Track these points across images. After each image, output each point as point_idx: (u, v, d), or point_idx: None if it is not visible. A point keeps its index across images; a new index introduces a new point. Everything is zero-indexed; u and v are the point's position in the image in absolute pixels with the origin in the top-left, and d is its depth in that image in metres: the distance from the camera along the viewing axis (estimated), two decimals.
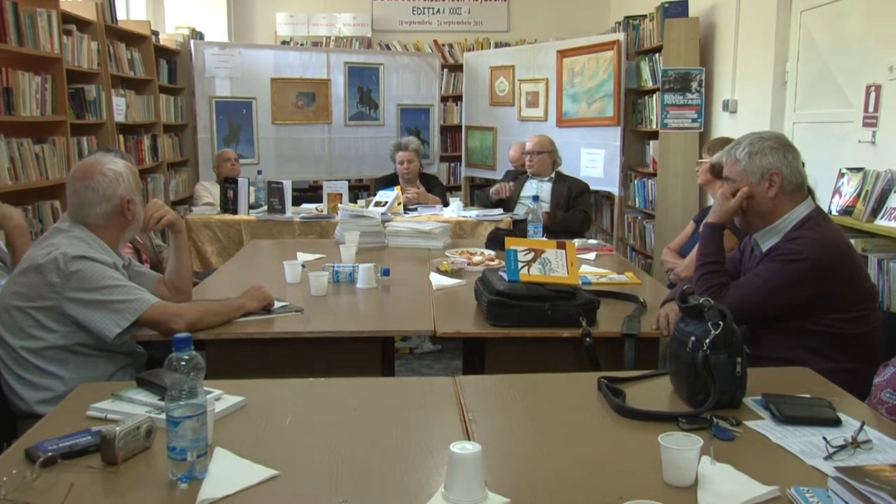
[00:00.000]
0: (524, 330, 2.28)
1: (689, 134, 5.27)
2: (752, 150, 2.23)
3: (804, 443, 1.49)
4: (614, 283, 2.94)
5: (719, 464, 1.38)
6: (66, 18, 4.39)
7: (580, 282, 2.54)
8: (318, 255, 3.48)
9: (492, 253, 3.44)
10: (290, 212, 4.64)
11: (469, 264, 3.20)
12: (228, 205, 4.70)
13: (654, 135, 5.75)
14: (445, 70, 7.39)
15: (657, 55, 5.62)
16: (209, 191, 5.37)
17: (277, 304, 2.48)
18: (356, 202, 4.92)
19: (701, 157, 3.39)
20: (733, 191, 2.26)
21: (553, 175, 4.81)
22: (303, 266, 3.01)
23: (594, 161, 5.85)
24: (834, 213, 3.24)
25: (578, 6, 7.58)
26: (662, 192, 5.41)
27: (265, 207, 4.72)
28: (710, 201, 3.15)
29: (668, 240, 3.80)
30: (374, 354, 2.36)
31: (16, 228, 2.64)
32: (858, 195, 3.16)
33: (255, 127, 6.27)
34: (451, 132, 7.59)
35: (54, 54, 4.13)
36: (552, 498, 1.31)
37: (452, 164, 7.67)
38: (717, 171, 2.88)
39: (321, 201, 4.86)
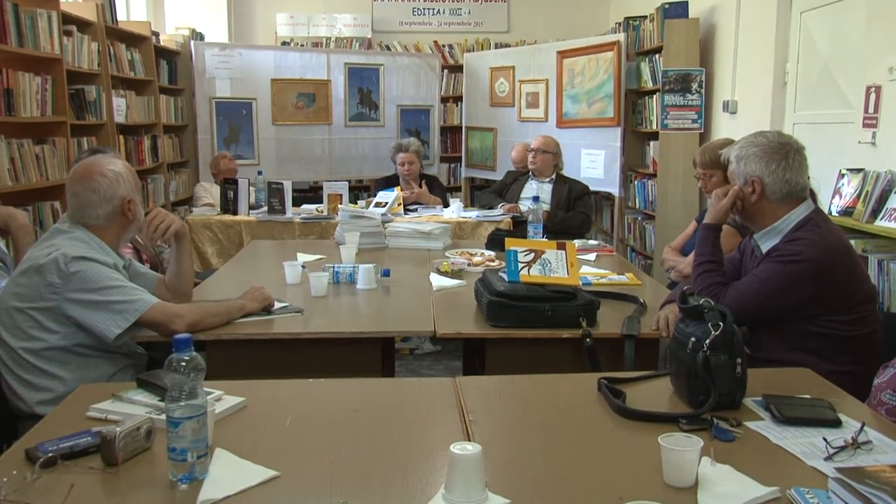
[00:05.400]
0: (524, 331, 2.28)
1: (690, 135, 5.27)
2: (740, 153, 2.24)
3: (804, 444, 1.49)
4: (614, 283, 2.94)
5: (719, 465, 1.38)
6: (67, 19, 4.40)
7: (580, 282, 2.54)
8: (319, 256, 3.48)
9: (492, 254, 3.44)
10: (291, 212, 4.64)
11: (469, 265, 3.20)
12: (228, 205, 4.71)
13: (654, 135, 5.75)
14: (445, 71, 7.39)
15: (657, 56, 5.62)
16: (209, 192, 5.37)
17: (278, 305, 2.48)
18: (356, 203, 4.93)
19: (695, 167, 3.36)
20: (726, 191, 2.27)
21: (554, 176, 4.85)
22: (303, 267, 3.01)
23: (594, 162, 5.86)
24: (834, 213, 3.24)
25: (578, 7, 7.58)
26: (662, 193, 5.42)
27: (265, 208, 4.73)
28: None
29: (668, 240, 3.79)
30: (374, 355, 2.36)
31: (21, 228, 2.66)
32: (858, 196, 3.16)
33: (255, 128, 6.28)
34: (451, 133, 7.59)
35: (54, 55, 4.13)
36: (552, 499, 1.31)
37: (452, 165, 7.67)
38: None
39: (321, 202, 4.86)
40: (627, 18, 6.26)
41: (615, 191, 5.81)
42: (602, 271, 3.14)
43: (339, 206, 4.55)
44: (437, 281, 2.93)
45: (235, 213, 4.67)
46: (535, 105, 6.39)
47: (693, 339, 1.68)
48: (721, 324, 1.65)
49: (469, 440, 1.52)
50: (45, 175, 4.01)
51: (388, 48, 7.49)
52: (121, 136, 5.18)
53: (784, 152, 2.19)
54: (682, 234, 3.58)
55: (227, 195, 4.71)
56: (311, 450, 1.50)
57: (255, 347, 2.28)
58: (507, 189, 5.08)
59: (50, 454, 1.39)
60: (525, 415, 1.69)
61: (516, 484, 1.34)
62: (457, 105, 7.50)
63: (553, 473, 1.40)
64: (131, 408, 1.67)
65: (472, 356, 3.07)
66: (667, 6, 5.39)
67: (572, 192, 4.76)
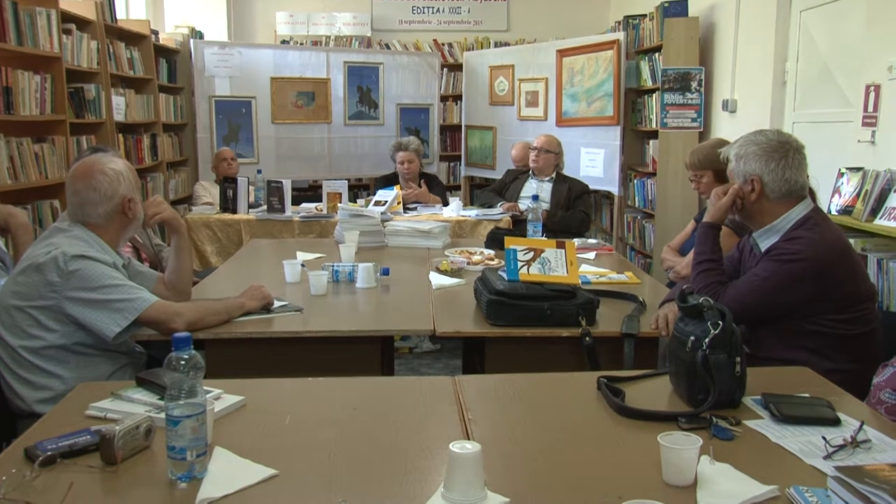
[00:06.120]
0: (524, 329, 2.28)
1: (689, 133, 5.27)
2: (740, 152, 2.24)
3: (803, 442, 1.49)
4: (614, 282, 2.94)
5: (719, 463, 1.38)
6: (66, 17, 4.39)
7: (580, 281, 2.54)
8: (318, 255, 3.48)
9: (491, 252, 3.44)
10: (290, 211, 4.64)
11: (469, 264, 3.20)
12: (228, 204, 4.70)
13: (653, 134, 5.75)
14: (445, 69, 7.38)
15: (657, 55, 5.62)
16: (208, 190, 5.37)
17: (277, 304, 2.49)
18: (356, 201, 4.92)
19: (688, 169, 3.36)
20: (726, 189, 2.27)
21: (554, 175, 4.85)
22: (302, 265, 3.01)
23: (594, 160, 5.86)
24: (833, 212, 3.23)
25: (578, 6, 7.58)
26: (662, 192, 5.41)
27: (265, 207, 4.72)
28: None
29: (667, 239, 3.79)
30: (373, 354, 2.36)
31: (20, 227, 2.66)
32: (858, 195, 3.16)
33: (254, 126, 6.27)
34: (450, 131, 7.59)
35: (54, 53, 4.13)
36: (551, 497, 1.31)
37: (452, 164, 7.67)
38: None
39: (321, 201, 4.86)
40: (627, 17, 6.25)
41: (615, 189, 5.81)
42: (601, 270, 3.14)
43: (339, 204, 4.55)
44: (437, 279, 2.93)
45: (235, 211, 4.67)
46: (534, 104, 6.39)
47: (692, 337, 1.68)
48: (720, 322, 1.66)
49: (468, 439, 1.52)
50: (44, 174, 4.01)
51: (387, 47, 7.48)
52: (120, 135, 5.18)
53: (783, 151, 2.19)
54: (680, 233, 3.58)
55: (227, 194, 4.70)
56: (310, 448, 1.50)
57: (254, 346, 2.28)
58: (507, 188, 5.08)
59: (49, 453, 1.39)
60: (524, 414, 1.69)
61: (515, 482, 1.34)
62: (456, 104, 7.50)
63: (552, 472, 1.40)
64: (130, 406, 1.67)
65: (471, 355, 3.07)
66: (666, 5, 5.39)
67: (572, 191, 4.76)
